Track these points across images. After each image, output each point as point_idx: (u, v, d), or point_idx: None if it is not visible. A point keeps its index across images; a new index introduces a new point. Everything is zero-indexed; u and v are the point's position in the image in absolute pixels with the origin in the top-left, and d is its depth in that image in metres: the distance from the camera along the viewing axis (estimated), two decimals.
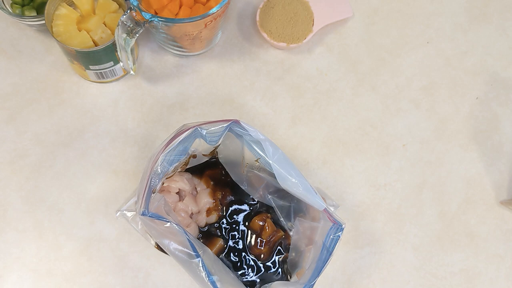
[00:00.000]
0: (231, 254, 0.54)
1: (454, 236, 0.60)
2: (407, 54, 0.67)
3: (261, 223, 0.54)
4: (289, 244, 0.55)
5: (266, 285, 0.50)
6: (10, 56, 0.63)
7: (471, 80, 0.66)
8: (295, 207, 0.55)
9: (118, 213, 0.57)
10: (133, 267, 0.57)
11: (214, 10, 0.53)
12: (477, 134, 0.64)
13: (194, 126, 0.47)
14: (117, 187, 0.59)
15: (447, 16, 0.68)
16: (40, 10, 0.61)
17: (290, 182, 0.47)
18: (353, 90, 0.65)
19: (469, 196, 0.62)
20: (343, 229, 0.47)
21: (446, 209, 0.61)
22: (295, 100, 0.64)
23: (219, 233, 0.55)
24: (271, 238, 0.54)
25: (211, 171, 0.57)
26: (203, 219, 0.54)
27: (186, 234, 0.45)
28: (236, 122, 0.47)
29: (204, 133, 0.48)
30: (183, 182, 0.54)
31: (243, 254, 0.55)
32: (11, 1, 0.61)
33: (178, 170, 0.55)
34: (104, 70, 0.59)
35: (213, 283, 0.45)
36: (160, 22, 0.53)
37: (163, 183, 0.53)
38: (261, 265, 0.54)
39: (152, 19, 0.53)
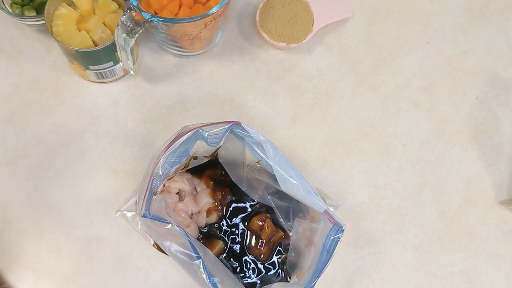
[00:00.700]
0: (231, 255, 0.54)
1: (454, 236, 0.60)
2: (407, 54, 0.67)
3: (260, 223, 0.54)
4: (289, 245, 0.55)
5: (266, 286, 0.50)
6: (10, 56, 0.63)
7: (471, 80, 0.66)
8: (295, 207, 0.55)
9: (118, 213, 0.57)
10: (133, 267, 0.57)
11: (214, 10, 0.53)
12: (477, 134, 0.64)
13: (195, 128, 0.47)
14: (117, 187, 0.59)
15: (447, 16, 0.68)
16: (40, 10, 0.61)
17: (290, 184, 0.47)
18: (353, 90, 0.65)
19: (469, 196, 0.62)
20: (343, 230, 0.47)
21: (446, 209, 0.61)
22: (295, 100, 0.64)
23: (219, 233, 0.55)
24: (271, 238, 0.54)
25: (211, 171, 0.57)
26: (203, 219, 0.54)
27: (187, 236, 0.45)
28: (237, 124, 0.47)
29: (206, 135, 0.48)
30: (183, 183, 0.54)
31: (243, 255, 0.54)
32: (11, 1, 0.61)
33: (179, 171, 0.55)
34: (104, 70, 0.59)
35: (214, 284, 0.45)
36: (160, 22, 0.53)
37: (164, 185, 0.53)
38: (261, 266, 0.54)
39: (152, 19, 0.53)
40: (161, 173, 0.46)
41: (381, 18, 0.68)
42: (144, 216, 0.44)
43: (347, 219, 0.60)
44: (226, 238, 0.55)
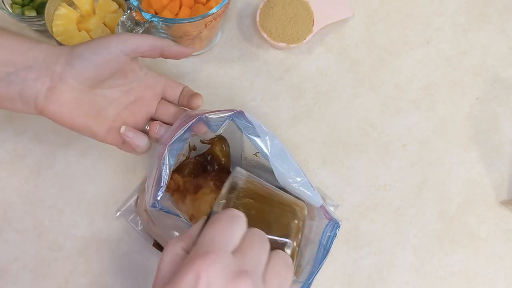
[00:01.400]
0: None
1: (454, 236, 0.60)
2: (407, 54, 0.67)
3: None
4: None
5: None
6: None
7: (471, 80, 0.66)
8: None
9: (118, 213, 0.57)
10: (133, 267, 0.57)
11: (214, 10, 0.53)
12: (477, 134, 0.64)
13: (197, 115, 0.47)
14: (117, 187, 0.59)
15: (447, 16, 0.68)
16: (40, 10, 0.61)
17: (288, 177, 0.47)
18: (353, 90, 0.65)
19: (469, 196, 0.62)
20: (339, 226, 0.47)
21: (446, 209, 0.61)
22: (295, 100, 0.64)
23: None
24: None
25: (213, 173, 0.57)
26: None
27: None
28: (240, 113, 0.47)
29: (205, 119, 0.47)
30: None
31: None
32: (11, 1, 0.61)
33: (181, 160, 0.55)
34: None
35: None
36: (160, 22, 0.53)
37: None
38: None
39: (152, 19, 0.53)
40: (167, 163, 0.46)
41: (381, 18, 0.68)
42: (153, 206, 0.44)
43: (347, 219, 0.60)
44: None
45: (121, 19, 0.52)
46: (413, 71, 0.66)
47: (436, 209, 0.61)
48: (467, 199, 0.61)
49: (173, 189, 0.54)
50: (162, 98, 0.53)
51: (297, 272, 0.52)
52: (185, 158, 0.55)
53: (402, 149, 0.63)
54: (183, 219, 0.45)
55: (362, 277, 0.58)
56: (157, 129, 0.50)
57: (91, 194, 0.59)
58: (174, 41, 0.59)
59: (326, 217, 0.47)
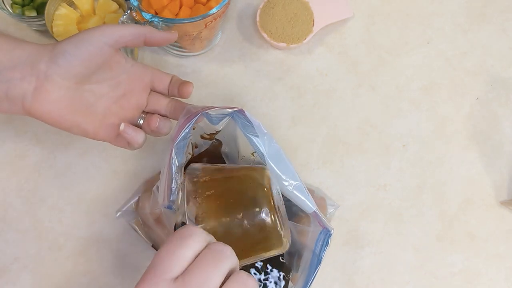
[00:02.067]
0: None
1: (454, 236, 0.60)
2: (407, 54, 0.67)
3: None
4: None
5: None
6: None
7: (471, 80, 0.66)
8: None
9: (118, 214, 0.57)
10: (133, 267, 0.57)
11: (214, 10, 0.53)
12: (477, 134, 0.64)
13: (200, 111, 0.46)
14: (117, 187, 0.59)
15: (447, 16, 0.68)
16: (40, 10, 0.61)
17: (283, 179, 0.46)
18: (353, 90, 0.65)
19: (469, 196, 0.62)
20: (331, 234, 0.47)
21: (446, 209, 0.61)
22: (295, 100, 0.64)
23: None
24: None
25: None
26: None
27: None
28: (241, 112, 0.47)
29: (207, 115, 0.47)
30: None
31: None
32: (11, 1, 0.61)
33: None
34: None
35: None
36: (160, 22, 0.53)
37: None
38: (259, 265, 0.54)
39: (152, 19, 0.53)
40: (176, 163, 0.45)
41: (381, 19, 0.68)
42: (168, 207, 0.44)
43: (347, 219, 0.60)
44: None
45: (121, 19, 0.52)
46: (413, 71, 0.66)
47: (436, 209, 0.61)
48: (467, 199, 0.61)
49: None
50: (151, 90, 0.52)
51: (293, 278, 0.52)
52: (191, 156, 0.55)
53: (402, 149, 0.63)
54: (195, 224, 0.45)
55: (362, 277, 0.58)
56: (157, 123, 0.49)
57: (91, 194, 0.59)
58: (174, 41, 0.59)
59: (320, 224, 0.47)
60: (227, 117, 0.47)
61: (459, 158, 0.63)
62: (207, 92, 0.63)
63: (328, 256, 0.58)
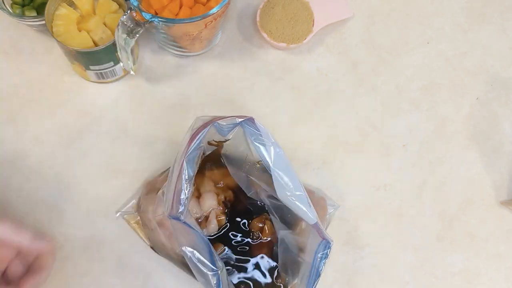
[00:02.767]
0: (232, 256, 0.54)
1: (454, 236, 0.60)
2: (407, 54, 0.67)
3: (260, 224, 0.54)
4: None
5: None
6: (10, 56, 0.63)
7: (471, 80, 0.66)
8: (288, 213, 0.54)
9: (118, 214, 0.57)
10: (133, 268, 0.57)
11: (214, 10, 0.53)
12: (477, 134, 0.64)
13: (210, 122, 0.46)
14: (117, 187, 0.59)
15: (447, 16, 0.68)
16: (40, 10, 0.61)
17: (287, 190, 0.46)
18: (353, 90, 0.65)
19: (469, 196, 0.62)
20: (330, 246, 0.47)
21: (446, 209, 0.61)
22: (295, 100, 0.64)
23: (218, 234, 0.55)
24: (271, 239, 0.54)
25: (212, 172, 0.56)
26: (214, 227, 0.54)
27: (210, 247, 0.45)
28: (251, 120, 0.47)
29: (218, 126, 0.47)
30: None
31: (245, 256, 0.54)
32: (11, 1, 0.61)
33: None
34: (104, 71, 0.59)
35: None
36: (160, 23, 0.53)
37: (194, 185, 0.52)
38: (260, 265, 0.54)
39: (152, 19, 0.53)
40: (186, 176, 0.45)
41: (381, 18, 0.68)
42: (175, 219, 0.44)
43: (347, 219, 0.60)
44: (227, 238, 0.55)
45: (121, 19, 0.52)
46: (413, 71, 0.66)
47: (436, 209, 0.61)
48: (467, 199, 0.61)
49: None
50: None
51: (292, 287, 0.52)
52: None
53: (402, 149, 0.63)
54: (202, 235, 0.44)
55: (362, 277, 0.58)
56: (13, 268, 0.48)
57: (91, 194, 0.59)
58: (174, 41, 0.59)
59: (320, 235, 0.47)
60: (237, 126, 0.47)
61: (459, 158, 0.63)
62: (207, 92, 0.63)
63: (329, 256, 0.58)
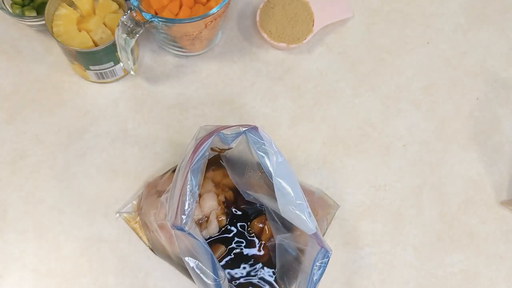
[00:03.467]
0: (232, 258, 0.54)
1: (454, 237, 0.60)
2: (407, 54, 0.67)
3: (260, 225, 0.54)
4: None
5: None
6: (10, 56, 0.63)
7: (471, 80, 0.66)
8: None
9: (118, 215, 0.57)
10: (133, 268, 0.57)
11: (214, 10, 0.53)
12: (477, 134, 0.64)
13: (214, 132, 0.46)
14: (117, 187, 0.59)
15: (447, 16, 0.68)
16: (40, 10, 0.61)
17: (288, 199, 0.46)
18: (353, 90, 0.65)
19: (469, 197, 0.62)
20: (329, 256, 0.46)
21: (446, 209, 0.61)
22: (295, 100, 0.64)
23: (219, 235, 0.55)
24: (270, 240, 0.54)
25: (212, 172, 0.56)
26: (215, 227, 0.54)
27: (212, 257, 0.45)
28: (254, 129, 0.47)
29: (222, 136, 0.47)
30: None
31: (244, 257, 0.54)
32: (11, 1, 0.61)
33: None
34: (104, 71, 0.59)
35: None
36: (160, 23, 0.53)
37: (200, 195, 0.52)
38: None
39: (152, 19, 0.53)
40: (191, 187, 0.45)
41: (381, 19, 0.68)
42: (179, 229, 0.44)
43: (347, 219, 0.60)
44: (227, 239, 0.54)
45: (122, 19, 0.52)
46: (413, 71, 0.66)
47: (436, 209, 0.61)
48: (467, 199, 0.61)
49: None
50: None
51: None
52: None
53: (402, 149, 0.63)
54: (205, 246, 0.44)
55: (362, 277, 0.58)
56: None
57: (91, 194, 0.59)
58: (174, 41, 0.59)
59: (318, 244, 0.47)
60: (241, 135, 0.47)
61: (459, 158, 0.63)
62: (207, 92, 0.63)
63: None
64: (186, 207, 0.44)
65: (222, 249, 0.54)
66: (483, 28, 0.68)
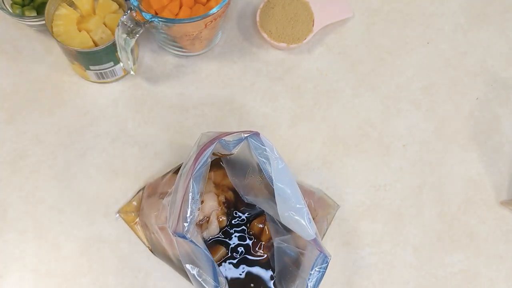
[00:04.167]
0: (233, 259, 0.54)
1: (454, 237, 0.60)
2: (407, 54, 0.67)
3: (260, 225, 0.54)
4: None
5: None
6: (10, 56, 0.63)
7: (471, 80, 0.66)
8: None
9: (117, 215, 0.57)
10: (133, 268, 0.57)
11: (214, 10, 0.53)
12: (477, 134, 0.64)
13: (216, 139, 0.46)
14: (117, 187, 0.59)
15: (447, 16, 0.68)
16: (40, 10, 0.61)
17: (288, 205, 0.46)
18: (353, 90, 0.65)
19: (469, 197, 0.62)
20: (328, 261, 0.46)
21: (446, 209, 0.61)
22: (295, 100, 0.64)
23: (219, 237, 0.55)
24: (270, 241, 0.54)
25: (212, 173, 0.56)
26: (215, 228, 0.53)
27: (213, 264, 0.44)
28: (256, 134, 0.47)
29: (224, 143, 0.47)
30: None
31: (244, 259, 0.54)
32: (11, 1, 0.61)
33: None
34: (104, 71, 0.59)
35: None
36: (160, 23, 0.53)
37: (202, 201, 0.52)
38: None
39: (152, 19, 0.53)
40: (193, 195, 0.45)
41: (381, 19, 0.68)
42: (181, 237, 0.44)
43: (347, 219, 0.60)
44: (227, 241, 0.54)
45: (122, 19, 0.52)
46: (413, 71, 0.66)
47: (436, 209, 0.61)
48: (467, 199, 0.61)
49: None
50: None
51: None
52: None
53: (402, 149, 0.63)
54: (206, 252, 0.44)
55: (362, 277, 0.58)
56: None
57: (91, 194, 0.59)
58: (174, 41, 0.59)
59: (318, 249, 0.47)
60: (243, 141, 0.47)
61: (459, 158, 0.63)
62: (207, 92, 0.63)
63: None
64: (188, 214, 0.44)
65: (222, 250, 0.54)
66: (483, 28, 0.68)
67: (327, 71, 0.65)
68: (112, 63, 0.59)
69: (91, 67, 0.58)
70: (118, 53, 0.55)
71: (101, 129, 0.61)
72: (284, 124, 0.63)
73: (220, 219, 0.54)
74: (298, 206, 0.46)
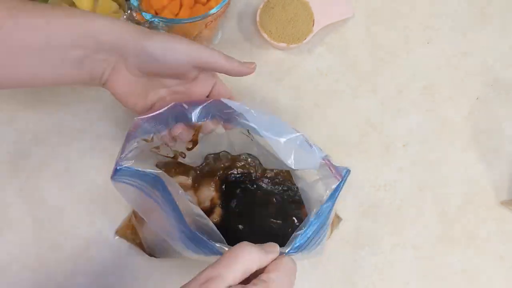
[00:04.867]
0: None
1: (454, 236, 0.60)
2: (407, 54, 0.67)
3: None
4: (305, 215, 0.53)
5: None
6: None
7: (472, 80, 0.66)
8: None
9: (117, 237, 0.57)
10: (133, 267, 0.57)
11: (214, 10, 0.53)
12: (477, 134, 0.64)
13: (175, 104, 0.47)
14: None
15: (447, 16, 0.68)
16: None
17: (281, 143, 0.46)
18: (353, 90, 0.65)
19: (469, 197, 0.62)
20: (349, 170, 0.45)
21: (446, 210, 0.61)
22: (295, 100, 0.64)
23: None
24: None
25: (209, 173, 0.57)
26: (215, 216, 0.54)
27: (173, 202, 0.43)
28: (218, 101, 0.47)
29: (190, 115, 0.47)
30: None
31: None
32: None
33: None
34: None
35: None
36: (161, 23, 0.53)
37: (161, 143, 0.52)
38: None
39: (153, 19, 0.53)
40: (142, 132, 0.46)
41: (381, 18, 0.68)
42: (117, 172, 0.44)
43: (347, 219, 0.60)
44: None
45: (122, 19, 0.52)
46: (413, 71, 0.66)
47: (436, 209, 0.61)
48: (467, 199, 0.61)
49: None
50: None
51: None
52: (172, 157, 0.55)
53: (402, 149, 0.63)
54: (214, 244, 0.44)
55: (362, 277, 0.58)
56: (178, 131, 0.50)
57: (91, 194, 0.59)
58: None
59: (332, 172, 0.45)
60: (203, 106, 0.47)
61: (459, 158, 0.63)
62: None
63: (329, 256, 0.58)
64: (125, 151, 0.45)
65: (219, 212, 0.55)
66: (483, 28, 0.68)
67: (327, 71, 0.65)
68: None
69: None
70: None
71: (101, 129, 0.61)
72: None
73: (219, 207, 0.55)
74: (293, 135, 0.46)
